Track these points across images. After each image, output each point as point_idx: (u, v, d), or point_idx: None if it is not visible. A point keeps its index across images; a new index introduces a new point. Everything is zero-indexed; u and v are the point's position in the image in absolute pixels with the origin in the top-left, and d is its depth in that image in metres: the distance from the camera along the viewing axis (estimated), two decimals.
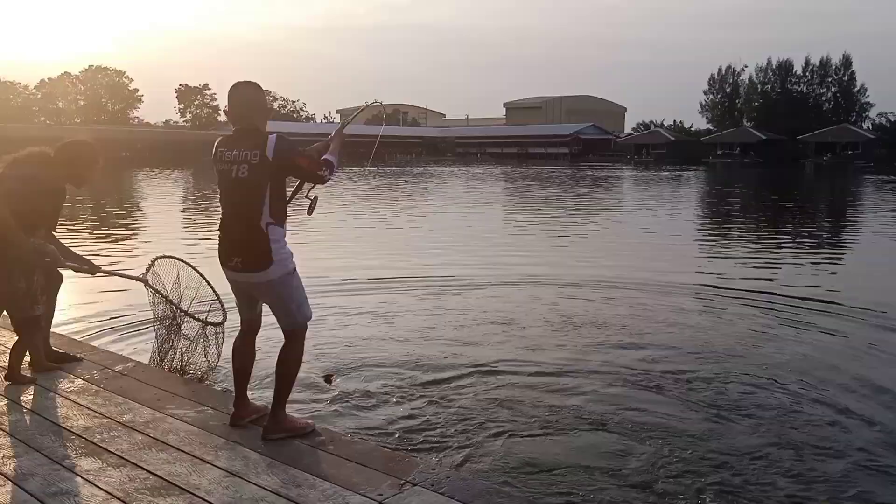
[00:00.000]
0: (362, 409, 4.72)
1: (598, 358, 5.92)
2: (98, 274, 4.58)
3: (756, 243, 13.81)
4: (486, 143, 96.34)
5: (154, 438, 3.43)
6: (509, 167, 59.38)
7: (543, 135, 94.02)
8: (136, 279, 4.70)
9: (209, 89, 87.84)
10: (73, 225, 15.13)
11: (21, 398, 3.93)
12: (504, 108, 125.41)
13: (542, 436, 4.33)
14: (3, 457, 3.18)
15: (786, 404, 4.86)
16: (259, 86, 3.62)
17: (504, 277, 9.51)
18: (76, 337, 5.73)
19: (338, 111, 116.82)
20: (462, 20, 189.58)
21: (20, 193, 4.00)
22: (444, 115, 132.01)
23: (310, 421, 3.71)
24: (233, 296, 3.61)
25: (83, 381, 4.24)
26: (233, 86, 3.51)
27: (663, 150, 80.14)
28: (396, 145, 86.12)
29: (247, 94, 3.50)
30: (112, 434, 3.47)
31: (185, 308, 4.76)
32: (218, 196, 3.48)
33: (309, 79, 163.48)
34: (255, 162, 3.25)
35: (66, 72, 79.16)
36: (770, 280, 9.75)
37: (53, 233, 4.35)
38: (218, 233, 3.44)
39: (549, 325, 7.03)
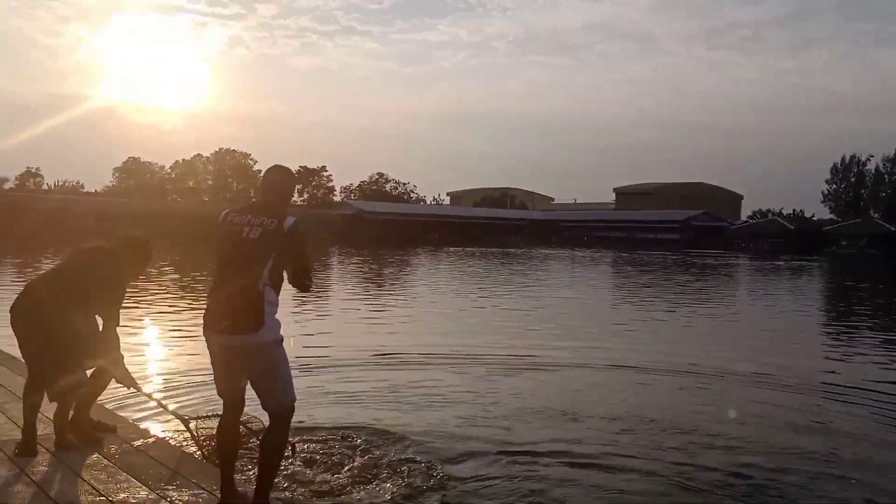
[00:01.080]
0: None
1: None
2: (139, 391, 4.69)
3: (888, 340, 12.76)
4: (593, 227, 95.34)
5: None
6: (614, 251, 58.29)
7: (653, 220, 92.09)
8: (181, 419, 4.85)
9: (326, 171, 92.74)
10: (177, 290, 15.98)
11: (30, 468, 4.02)
12: (614, 193, 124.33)
13: None
14: None
15: None
16: (291, 173, 3.74)
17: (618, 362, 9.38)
18: (114, 405, 5.88)
19: (448, 194, 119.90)
20: (574, 107, 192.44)
21: (78, 282, 4.25)
22: (553, 199, 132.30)
23: None
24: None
25: (98, 456, 4.30)
26: (270, 167, 3.64)
27: (781, 238, 76.41)
28: (501, 227, 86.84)
29: (279, 177, 3.62)
30: None
31: None
32: (216, 261, 3.48)
33: (419, 161, 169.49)
34: (270, 228, 3.33)
35: (198, 153, 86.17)
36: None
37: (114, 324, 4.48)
38: (207, 300, 3.45)
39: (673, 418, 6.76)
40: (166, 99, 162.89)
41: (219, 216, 3.51)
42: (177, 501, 3.67)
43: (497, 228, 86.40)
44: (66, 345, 4.15)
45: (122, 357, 4.58)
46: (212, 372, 3.55)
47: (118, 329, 4.50)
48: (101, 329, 4.38)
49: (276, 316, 3.37)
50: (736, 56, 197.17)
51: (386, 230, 72.73)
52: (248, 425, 5.18)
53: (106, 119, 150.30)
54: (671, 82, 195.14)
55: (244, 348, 3.31)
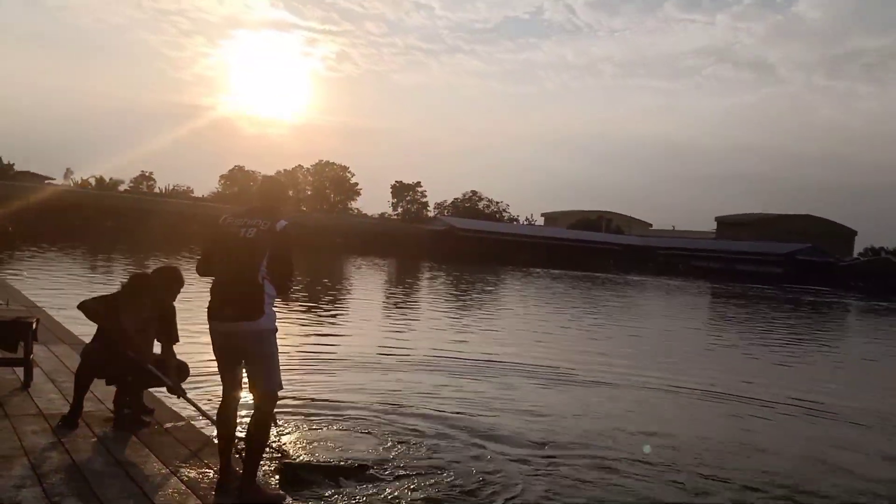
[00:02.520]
0: None
1: None
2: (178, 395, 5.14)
3: None
4: (690, 256, 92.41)
5: (141, 490, 3.79)
6: (708, 282, 56.31)
7: (754, 252, 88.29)
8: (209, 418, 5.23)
9: (420, 187, 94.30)
10: None
11: (67, 439, 4.51)
12: (715, 222, 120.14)
13: None
14: (13, 474, 3.71)
15: None
16: (283, 182, 4.15)
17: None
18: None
19: (542, 214, 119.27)
20: (680, 133, 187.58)
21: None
22: (651, 225, 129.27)
23: (281, 492, 3.90)
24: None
25: (129, 433, 4.75)
26: (264, 177, 4.06)
27: (893, 279, 71.57)
28: (593, 250, 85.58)
29: (271, 185, 4.06)
30: (111, 480, 3.88)
31: None
32: (218, 259, 3.86)
33: (515, 181, 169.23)
34: (264, 228, 3.75)
35: (299, 164, 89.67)
36: None
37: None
38: (211, 292, 3.83)
39: None
40: (275, 111, 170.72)
41: (219, 219, 3.93)
42: (184, 476, 4.05)
43: (589, 252, 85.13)
44: None
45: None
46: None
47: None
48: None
49: (273, 308, 3.75)
50: (857, 86, 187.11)
51: (475, 247, 73.13)
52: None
53: (218, 128, 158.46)
54: (785, 111, 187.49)
55: (245, 334, 3.68)
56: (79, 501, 3.57)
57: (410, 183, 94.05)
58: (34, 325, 5.77)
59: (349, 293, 23.83)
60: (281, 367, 3.84)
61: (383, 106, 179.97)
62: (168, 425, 5.04)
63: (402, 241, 71.74)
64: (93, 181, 77.14)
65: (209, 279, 3.92)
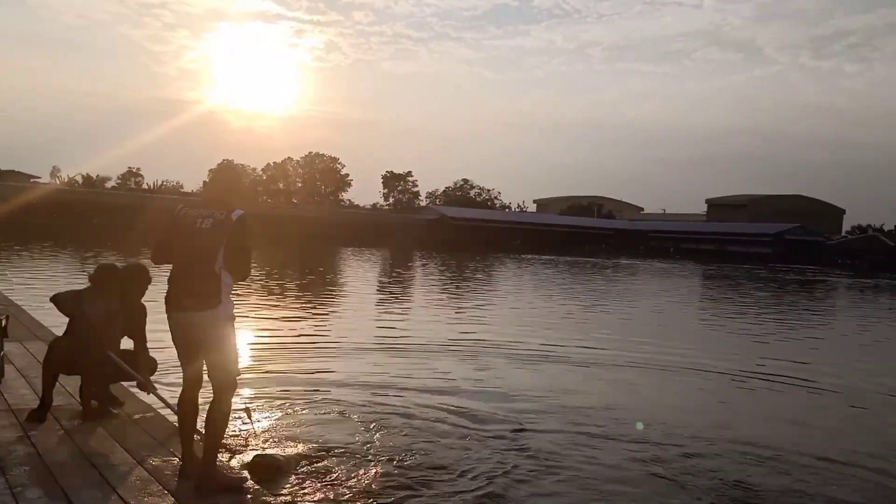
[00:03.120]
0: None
1: None
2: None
3: None
4: (681, 239, 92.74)
5: (104, 478, 3.87)
6: (697, 264, 56.58)
7: (744, 233, 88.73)
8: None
9: (412, 176, 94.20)
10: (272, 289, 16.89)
11: (34, 433, 4.57)
12: (706, 205, 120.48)
13: None
14: None
15: None
16: (239, 171, 4.15)
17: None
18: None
19: (534, 201, 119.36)
20: (670, 116, 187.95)
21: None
22: (643, 209, 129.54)
23: (243, 475, 4.01)
24: None
25: (97, 424, 4.82)
26: (219, 164, 4.11)
27: (880, 256, 72.06)
28: (585, 236, 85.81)
29: (226, 175, 4.11)
30: (75, 471, 3.96)
31: None
32: (175, 250, 3.92)
33: (507, 168, 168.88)
34: (220, 218, 3.82)
35: (289, 157, 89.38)
36: None
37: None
38: (168, 282, 3.91)
39: None
40: (263, 103, 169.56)
41: (174, 210, 3.98)
42: (148, 464, 4.13)
43: (581, 237, 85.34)
44: None
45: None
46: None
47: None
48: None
49: (231, 297, 3.84)
50: (843, 65, 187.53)
51: (467, 235, 73.24)
52: (248, 407, 5.69)
53: (205, 122, 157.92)
54: (773, 92, 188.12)
55: (203, 324, 3.76)
56: (41, 491, 3.64)
57: (401, 173, 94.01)
58: (3, 323, 5.82)
59: (342, 283, 23.88)
60: (240, 355, 3.92)
61: (373, 96, 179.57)
62: (137, 416, 5.11)
63: (394, 231, 71.76)
64: (80, 179, 76.84)
65: (167, 268, 3.97)
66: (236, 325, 3.92)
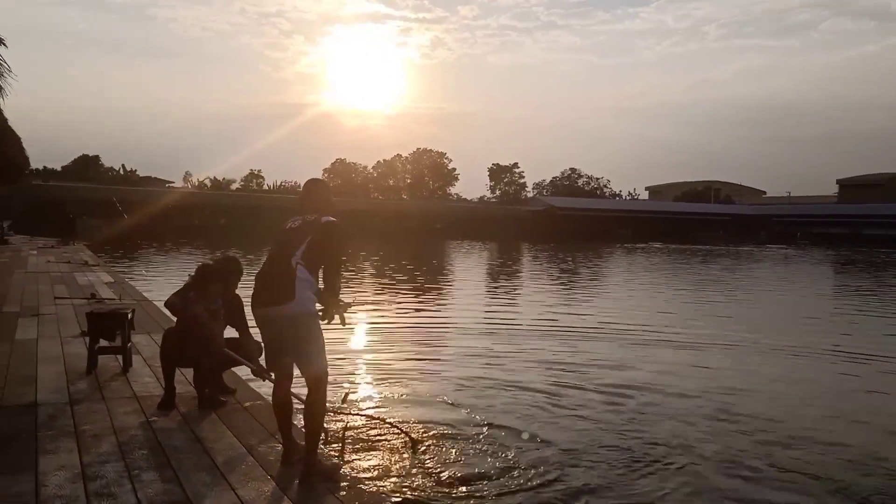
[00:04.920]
0: None
1: None
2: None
3: None
4: (808, 223, 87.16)
5: (212, 461, 4.05)
6: (832, 249, 53.02)
7: (882, 214, 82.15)
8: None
9: (518, 168, 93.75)
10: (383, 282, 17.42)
11: (154, 419, 4.87)
12: (836, 186, 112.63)
13: None
14: (101, 451, 4.05)
15: None
16: (327, 185, 4.36)
17: None
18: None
19: (646, 188, 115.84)
20: (793, 93, 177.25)
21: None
22: (765, 193, 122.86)
23: (337, 462, 4.23)
24: None
25: (212, 412, 5.06)
26: (309, 181, 4.26)
27: None
28: (701, 223, 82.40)
29: (317, 188, 4.23)
30: (188, 455, 4.16)
31: None
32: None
33: (616, 156, 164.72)
34: (310, 220, 3.95)
35: (398, 154, 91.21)
36: None
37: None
38: (254, 279, 3.97)
39: None
40: (373, 103, 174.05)
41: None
42: (255, 451, 4.29)
43: (696, 224, 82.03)
44: None
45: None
46: None
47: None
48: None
49: (311, 293, 3.82)
50: None
51: (576, 226, 72.04)
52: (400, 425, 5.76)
53: (320, 123, 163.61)
54: None
55: (279, 319, 3.77)
56: (156, 474, 3.85)
57: (508, 165, 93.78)
58: (130, 316, 6.23)
59: (451, 275, 24.11)
60: (325, 348, 3.93)
61: (478, 89, 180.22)
62: (247, 404, 5.33)
63: (502, 223, 71.62)
64: (208, 182, 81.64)
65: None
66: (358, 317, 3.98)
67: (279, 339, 3.89)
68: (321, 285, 3.91)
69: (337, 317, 3.96)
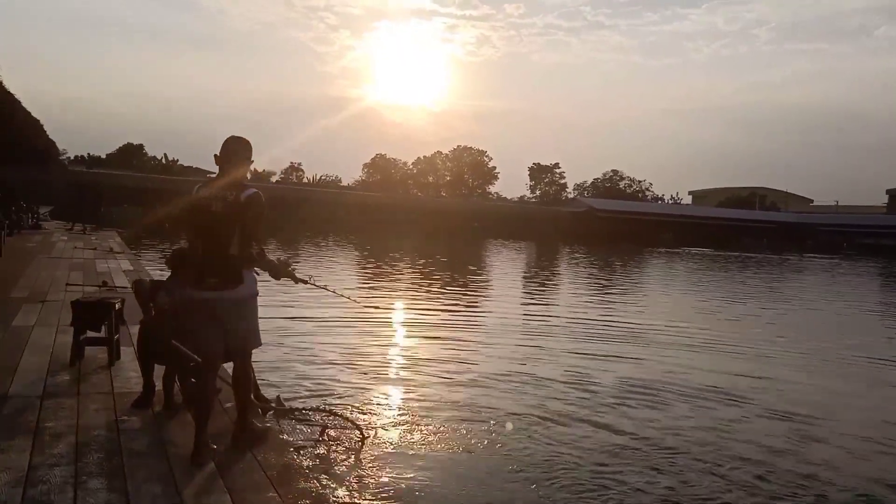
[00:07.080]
0: None
1: None
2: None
3: None
4: (856, 233, 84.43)
5: (169, 468, 3.79)
6: (881, 261, 51.10)
7: None
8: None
9: (559, 168, 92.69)
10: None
11: (123, 418, 4.61)
12: (886, 196, 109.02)
13: None
14: (54, 452, 3.77)
15: None
16: (248, 143, 4.11)
17: None
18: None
19: (689, 193, 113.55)
20: (843, 99, 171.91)
21: None
22: (812, 201, 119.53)
23: (267, 425, 4.70)
24: None
25: (181, 412, 4.78)
26: (230, 138, 4.09)
27: None
28: (744, 229, 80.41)
29: (234, 147, 4.03)
30: (146, 460, 3.89)
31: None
32: (194, 232, 4.00)
33: (659, 158, 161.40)
34: (230, 199, 3.85)
35: (438, 151, 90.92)
36: None
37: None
38: (189, 263, 4.06)
39: None
40: (416, 98, 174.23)
41: (192, 191, 4.01)
42: (220, 458, 3.98)
43: (739, 231, 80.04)
44: None
45: None
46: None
47: None
48: None
49: (252, 273, 4.03)
50: None
51: (616, 228, 70.82)
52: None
53: (363, 118, 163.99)
54: None
55: (227, 301, 3.89)
56: (104, 482, 3.57)
57: (548, 164, 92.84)
58: (118, 307, 5.99)
59: (492, 278, 23.74)
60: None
61: (521, 88, 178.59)
62: (227, 405, 5.03)
63: (540, 223, 70.76)
64: (248, 174, 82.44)
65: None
66: None
67: (220, 317, 3.91)
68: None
69: (289, 277, 4.35)
